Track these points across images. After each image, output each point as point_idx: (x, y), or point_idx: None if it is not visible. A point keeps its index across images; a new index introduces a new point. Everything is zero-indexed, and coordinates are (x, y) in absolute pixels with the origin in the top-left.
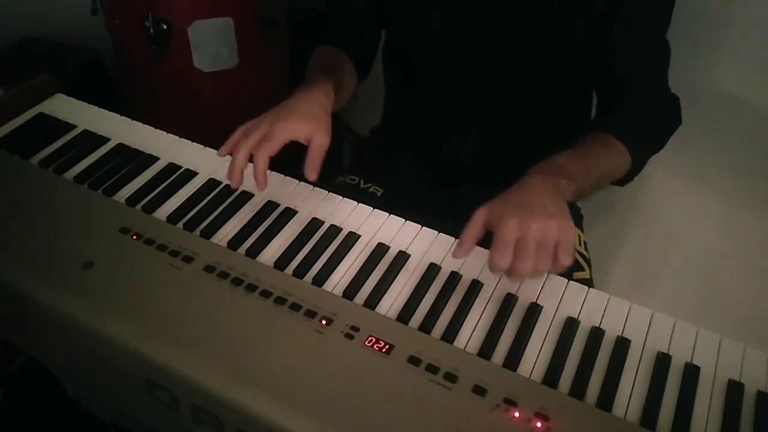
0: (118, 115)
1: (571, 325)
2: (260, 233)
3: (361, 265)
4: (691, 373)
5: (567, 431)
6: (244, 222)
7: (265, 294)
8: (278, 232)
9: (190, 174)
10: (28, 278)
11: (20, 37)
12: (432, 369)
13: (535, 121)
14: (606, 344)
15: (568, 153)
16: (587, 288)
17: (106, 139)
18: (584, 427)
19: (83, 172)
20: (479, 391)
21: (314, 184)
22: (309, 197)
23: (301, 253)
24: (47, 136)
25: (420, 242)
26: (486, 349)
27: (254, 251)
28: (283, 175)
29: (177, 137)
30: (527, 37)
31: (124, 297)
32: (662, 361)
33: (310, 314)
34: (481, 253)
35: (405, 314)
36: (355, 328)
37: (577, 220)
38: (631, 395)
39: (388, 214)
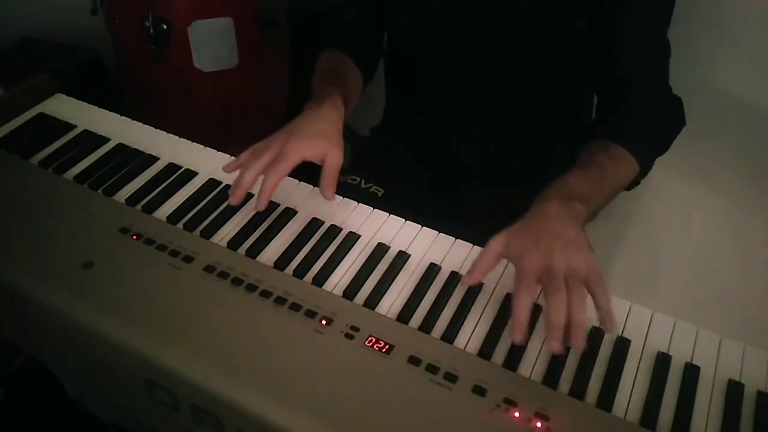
0: (118, 115)
1: None
2: (260, 233)
3: (361, 265)
4: (691, 373)
5: (567, 431)
6: (244, 222)
7: (265, 294)
8: (278, 232)
9: (190, 174)
10: (28, 278)
11: (20, 37)
12: (432, 369)
13: (536, 121)
14: (606, 344)
15: (579, 173)
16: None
17: (106, 139)
18: (584, 427)
19: (83, 172)
20: (479, 391)
21: (314, 184)
22: (309, 197)
23: (301, 253)
24: (47, 136)
25: (420, 242)
26: (486, 349)
27: (254, 251)
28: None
29: (177, 137)
30: (527, 37)
31: (124, 297)
32: (662, 361)
33: (310, 314)
34: None
35: (405, 314)
36: (355, 328)
37: None
38: (631, 395)
39: (388, 214)
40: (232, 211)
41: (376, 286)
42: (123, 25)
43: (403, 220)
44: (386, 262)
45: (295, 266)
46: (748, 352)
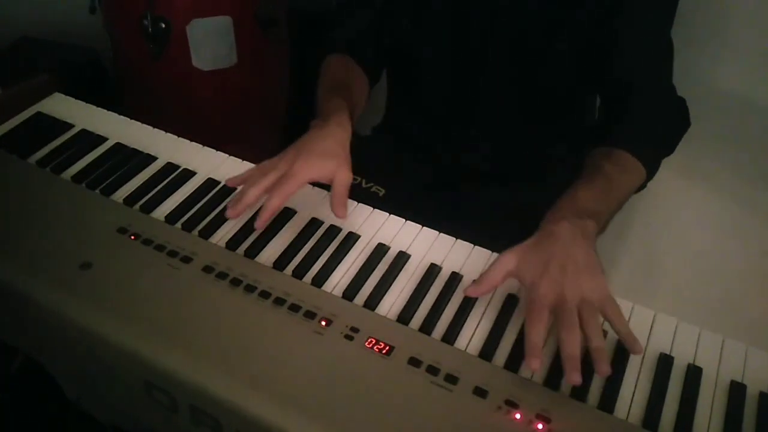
0: (116, 115)
1: None
2: (259, 233)
3: (361, 265)
4: (694, 374)
5: None
6: (243, 222)
7: (264, 295)
8: (277, 233)
9: (189, 173)
10: (25, 278)
11: (18, 36)
12: (433, 370)
13: (537, 120)
14: (608, 346)
15: (588, 186)
16: None
17: (104, 139)
18: (586, 428)
19: (81, 171)
20: (480, 392)
21: (314, 184)
22: (308, 197)
23: (300, 253)
24: (45, 135)
25: (420, 242)
26: (487, 351)
27: (253, 251)
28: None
29: (175, 136)
30: (528, 37)
31: (122, 297)
32: (664, 362)
33: (310, 315)
34: (483, 253)
35: (405, 315)
36: (355, 329)
37: None
38: (633, 397)
39: (388, 214)
40: None
41: (376, 286)
42: (121, 24)
43: (404, 220)
44: (386, 263)
45: (294, 267)
46: (751, 353)
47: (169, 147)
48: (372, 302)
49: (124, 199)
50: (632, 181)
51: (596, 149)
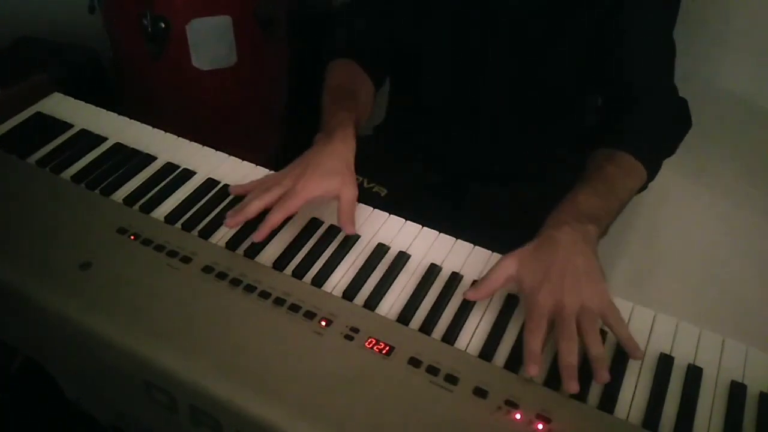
0: (116, 114)
1: None
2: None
3: (360, 265)
4: (694, 374)
5: None
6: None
7: (264, 295)
8: (277, 232)
9: (188, 173)
10: (25, 278)
11: (18, 36)
12: (432, 371)
13: (538, 120)
14: (608, 346)
15: (588, 190)
16: None
17: (103, 139)
18: (586, 428)
19: (81, 171)
20: (480, 393)
21: None
22: None
23: (300, 253)
24: (45, 135)
25: (420, 243)
26: (487, 351)
27: (253, 251)
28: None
29: (175, 136)
30: (529, 37)
31: (121, 297)
32: (665, 362)
33: (310, 315)
34: (483, 253)
35: (405, 315)
36: (355, 330)
37: None
38: (633, 397)
39: (388, 214)
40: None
41: (376, 286)
42: (121, 23)
43: (403, 220)
44: (386, 263)
45: (294, 267)
46: (751, 354)
47: (168, 147)
48: (372, 302)
49: (123, 199)
50: (634, 183)
51: (598, 151)
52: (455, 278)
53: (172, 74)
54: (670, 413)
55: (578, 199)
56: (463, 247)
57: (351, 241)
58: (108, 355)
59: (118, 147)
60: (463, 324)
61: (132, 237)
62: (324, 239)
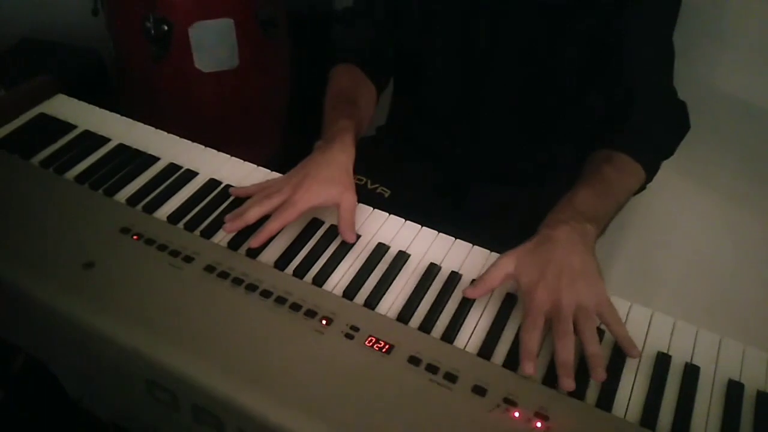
0: (119, 116)
1: None
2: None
3: (361, 265)
4: (691, 373)
5: (567, 431)
6: None
7: (266, 294)
8: (278, 233)
9: (191, 174)
10: (28, 278)
11: (21, 37)
12: (432, 369)
13: (543, 123)
14: (606, 344)
15: (586, 190)
16: None
17: (106, 140)
18: (584, 427)
19: (84, 172)
20: (479, 391)
21: None
22: None
23: (301, 253)
24: (48, 136)
25: (420, 242)
26: (486, 349)
27: (254, 251)
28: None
29: (177, 137)
30: (534, 40)
31: (124, 297)
32: (662, 361)
33: (310, 314)
34: (482, 253)
35: (405, 314)
36: (355, 328)
37: None
38: (631, 395)
39: (388, 214)
40: (232, 211)
41: (376, 286)
42: (124, 25)
43: (403, 220)
44: (386, 262)
45: (295, 266)
46: (748, 352)
47: (171, 148)
48: (372, 301)
49: (126, 200)
50: (632, 184)
51: (596, 152)
52: (454, 277)
53: (175, 76)
54: (668, 411)
55: (576, 199)
56: (463, 246)
57: None
58: (110, 353)
59: (121, 148)
60: (463, 323)
61: (135, 237)
62: (324, 239)
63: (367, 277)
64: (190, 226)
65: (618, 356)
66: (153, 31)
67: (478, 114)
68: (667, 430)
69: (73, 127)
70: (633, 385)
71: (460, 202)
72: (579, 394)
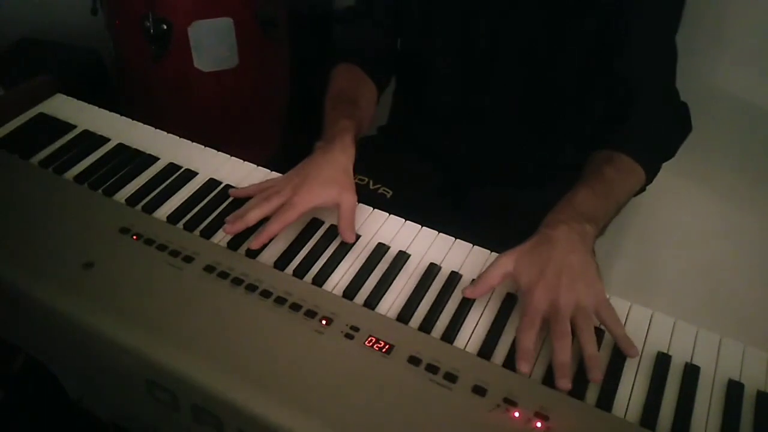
0: (118, 116)
1: None
2: (260, 233)
3: (361, 265)
4: (691, 372)
5: (567, 431)
6: None
7: (265, 294)
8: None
9: (190, 174)
10: (28, 278)
11: (20, 37)
12: (432, 369)
13: (546, 124)
14: (606, 344)
15: (586, 190)
16: None
17: (106, 139)
18: (584, 427)
19: (83, 172)
20: (479, 390)
21: None
22: None
23: (301, 253)
24: (47, 136)
25: (420, 242)
26: (486, 349)
27: (254, 251)
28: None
29: (177, 137)
30: (537, 40)
31: (124, 297)
32: (662, 360)
33: (310, 314)
34: (482, 253)
35: (405, 314)
36: (355, 328)
37: None
38: (631, 395)
39: (388, 214)
40: (231, 211)
41: (376, 286)
42: (123, 25)
43: (403, 220)
44: (386, 262)
45: (295, 266)
46: (748, 352)
47: (171, 148)
48: (372, 301)
49: (126, 200)
50: (632, 185)
51: (597, 152)
52: (454, 277)
53: (174, 76)
54: (668, 411)
55: (576, 199)
56: (463, 246)
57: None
58: (110, 353)
59: (121, 148)
60: (462, 323)
61: (134, 237)
62: (324, 239)
63: (367, 277)
64: (190, 226)
65: (618, 356)
66: (152, 31)
67: (479, 114)
68: (667, 430)
69: (73, 126)
70: (633, 385)
71: (460, 203)
72: (579, 394)
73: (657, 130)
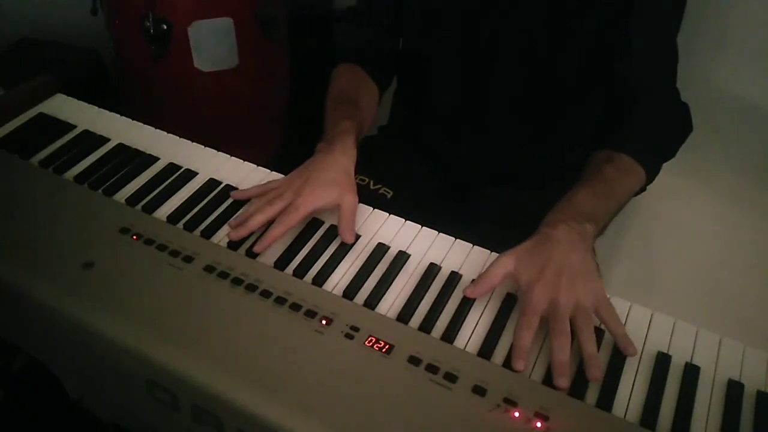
0: (118, 115)
1: None
2: (260, 234)
3: (361, 265)
4: (691, 372)
5: (567, 431)
6: None
7: (265, 294)
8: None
9: (190, 174)
10: (28, 278)
11: (20, 37)
12: (432, 369)
13: (547, 125)
14: (606, 344)
15: (586, 190)
16: None
17: (106, 139)
18: (584, 427)
19: (83, 172)
20: (479, 390)
21: None
22: None
23: (301, 253)
24: (47, 136)
25: (420, 242)
26: (486, 349)
27: (254, 251)
28: (283, 176)
29: (177, 137)
30: (538, 40)
31: (124, 297)
32: (662, 360)
33: (310, 314)
34: (482, 253)
35: (405, 314)
36: (355, 328)
37: None
38: (631, 395)
39: (388, 214)
40: (232, 211)
41: (376, 286)
42: (123, 25)
43: (403, 220)
44: (386, 262)
45: (295, 266)
46: (748, 352)
47: (171, 148)
48: (372, 301)
49: (126, 200)
50: (632, 185)
51: (598, 152)
52: (454, 277)
53: (174, 76)
54: (668, 411)
55: (576, 199)
56: (463, 246)
57: None
58: (110, 353)
59: (121, 148)
60: (462, 323)
61: (134, 237)
62: (324, 239)
63: (367, 277)
64: (190, 226)
65: (618, 356)
66: (152, 31)
67: (480, 114)
68: (667, 430)
69: (73, 126)
70: (633, 385)
71: (460, 203)
72: (579, 394)
73: (657, 131)
